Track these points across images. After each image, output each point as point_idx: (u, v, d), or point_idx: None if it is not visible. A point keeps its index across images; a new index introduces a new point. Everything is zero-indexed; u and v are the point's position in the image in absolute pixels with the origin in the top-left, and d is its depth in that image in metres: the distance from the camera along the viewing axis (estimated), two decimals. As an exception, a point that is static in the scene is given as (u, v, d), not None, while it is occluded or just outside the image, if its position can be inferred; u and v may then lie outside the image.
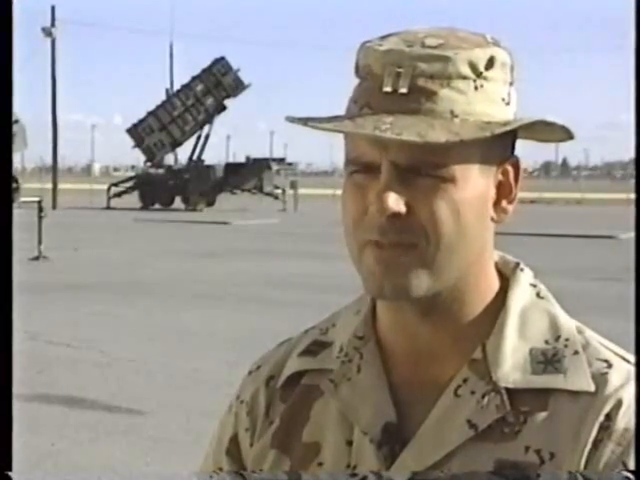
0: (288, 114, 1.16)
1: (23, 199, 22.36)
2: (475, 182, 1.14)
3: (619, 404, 1.13)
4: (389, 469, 1.16)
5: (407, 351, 1.20)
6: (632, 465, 1.12)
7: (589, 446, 1.12)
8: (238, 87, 45.09)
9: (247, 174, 43.92)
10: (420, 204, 1.11)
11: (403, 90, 1.12)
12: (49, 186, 44.92)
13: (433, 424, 1.16)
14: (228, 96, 44.93)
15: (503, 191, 1.18)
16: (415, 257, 1.12)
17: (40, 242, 18.29)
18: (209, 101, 44.77)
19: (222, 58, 44.90)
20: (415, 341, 1.19)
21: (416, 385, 1.19)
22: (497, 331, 1.18)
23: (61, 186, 46.37)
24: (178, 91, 45.98)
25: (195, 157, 45.83)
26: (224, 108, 45.35)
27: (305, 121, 1.14)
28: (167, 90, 47.36)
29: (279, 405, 1.27)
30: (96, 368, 8.79)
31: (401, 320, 1.19)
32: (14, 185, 30.09)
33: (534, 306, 1.21)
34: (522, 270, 1.24)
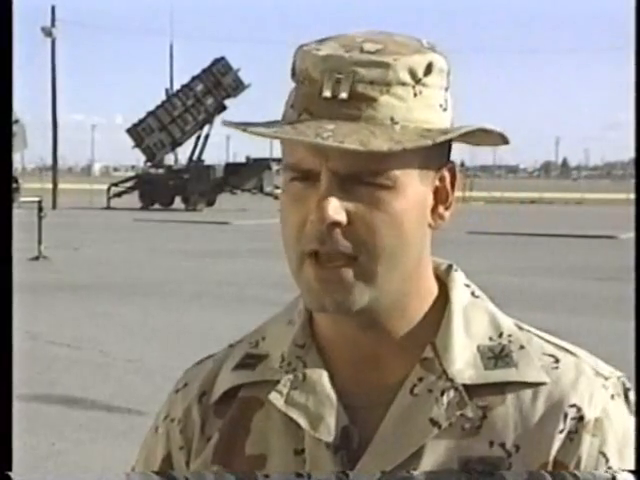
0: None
1: (23, 199, 22.36)
2: (414, 189, 1.13)
3: (582, 396, 1.15)
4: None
5: (350, 358, 1.19)
6: (611, 454, 1.14)
7: (559, 437, 1.13)
8: (238, 87, 45.09)
9: (247, 174, 43.92)
10: (360, 213, 1.11)
11: (343, 96, 1.11)
12: (49, 186, 44.91)
13: (392, 425, 1.15)
14: (228, 96, 44.92)
15: (440, 197, 1.18)
16: (355, 271, 1.11)
17: (40, 242, 18.29)
18: (209, 101, 44.77)
19: (222, 58, 44.91)
20: (358, 349, 1.19)
21: (363, 389, 1.19)
22: (444, 330, 1.18)
23: (61, 186, 46.34)
24: (178, 91, 45.98)
25: (195, 157, 45.81)
26: (224, 108, 45.32)
27: (244, 127, 1.12)
28: (167, 90, 47.38)
29: (215, 421, 1.24)
30: (96, 368, 8.80)
31: (342, 331, 1.18)
32: (14, 185, 30.09)
33: (472, 305, 1.22)
34: (456, 271, 1.24)
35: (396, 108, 1.11)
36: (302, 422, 1.18)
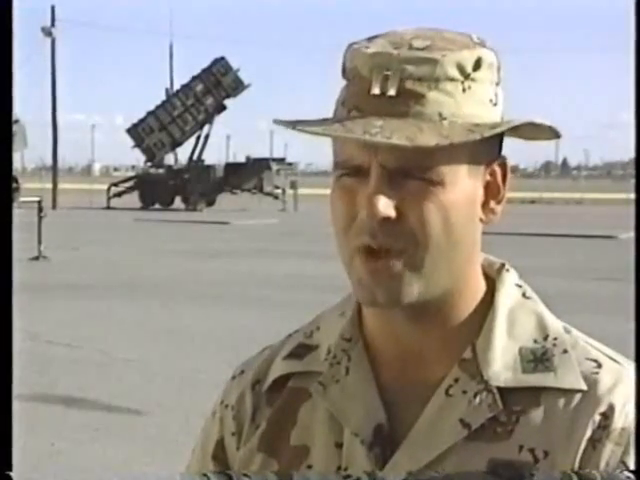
0: (279, 116, 1.16)
1: (23, 199, 22.35)
2: (464, 184, 1.14)
3: (614, 404, 1.14)
4: (381, 470, 1.16)
5: (395, 353, 1.20)
6: (632, 464, 1.12)
7: (584, 444, 1.13)
8: (238, 87, 45.09)
9: (247, 174, 43.92)
10: (409, 208, 1.12)
11: (391, 93, 1.12)
12: (49, 186, 44.87)
13: (425, 424, 1.16)
14: (228, 96, 44.92)
15: (491, 192, 1.18)
16: (405, 263, 1.12)
17: (40, 242, 18.29)
18: (209, 101, 44.77)
19: (222, 58, 44.90)
20: (403, 343, 1.19)
21: (405, 386, 1.19)
22: (486, 331, 1.18)
23: (61, 186, 46.34)
24: (178, 91, 45.98)
25: (195, 157, 45.82)
26: (224, 108, 45.34)
27: (293, 124, 1.14)
28: (167, 90, 47.36)
29: (265, 409, 1.26)
30: (96, 368, 8.80)
31: (389, 324, 1.19)
32: (14, 185, 30.07)
33: (521, 306, 1.21)
34: (507, 271, 1.24)
35: (444, 104, 1.12)
36: (339, 416, 1.19)
